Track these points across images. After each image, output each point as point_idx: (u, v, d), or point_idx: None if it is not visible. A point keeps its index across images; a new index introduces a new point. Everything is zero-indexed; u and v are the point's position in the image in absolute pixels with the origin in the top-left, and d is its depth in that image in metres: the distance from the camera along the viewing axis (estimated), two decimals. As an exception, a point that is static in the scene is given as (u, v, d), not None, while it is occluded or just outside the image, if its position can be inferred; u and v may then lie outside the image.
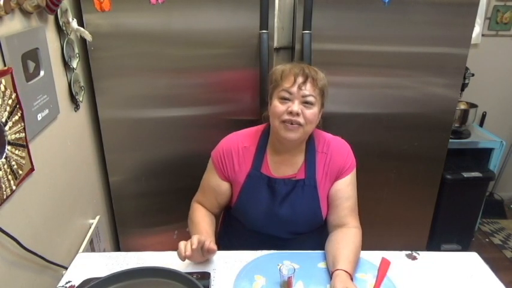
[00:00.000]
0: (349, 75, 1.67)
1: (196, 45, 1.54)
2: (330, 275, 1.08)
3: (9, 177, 0.97)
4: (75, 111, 1.46)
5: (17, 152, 1.00)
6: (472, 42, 1.69)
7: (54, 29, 1.29)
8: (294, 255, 1.19)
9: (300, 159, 1.25)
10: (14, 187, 0.99)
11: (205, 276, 1.04)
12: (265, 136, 1.27)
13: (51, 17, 1.26)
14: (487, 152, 2.33)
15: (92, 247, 1.54)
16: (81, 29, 1.38)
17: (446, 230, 2.32)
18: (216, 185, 1.28)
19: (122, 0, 1.45)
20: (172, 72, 1.58)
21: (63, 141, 1.35)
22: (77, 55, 1.44)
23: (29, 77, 1.09)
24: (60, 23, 1.30)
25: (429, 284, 1.11)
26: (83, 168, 1.52)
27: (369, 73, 1.68)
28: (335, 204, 1.24)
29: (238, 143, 1.26)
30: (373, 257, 1.19)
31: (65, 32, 1.33)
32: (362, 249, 1.18)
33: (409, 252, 1.23)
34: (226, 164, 1.25)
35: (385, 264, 1.16)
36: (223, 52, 1.57)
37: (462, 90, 2.23)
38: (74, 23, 1.35)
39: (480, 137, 2.37)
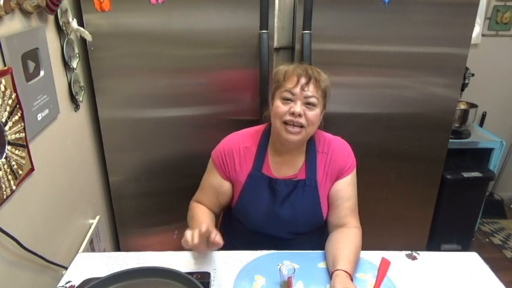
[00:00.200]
0: (349, 75, 1.67)
1: (196, 45, 1.54)
2: (330, 275, 1.08)
3: (9, 177, 0.97)
4: (75, 111, 1.46)
5: (17, 152, 1.00)
6: (472, 42, 1.69)
7: (54, 29, 1.29)
8: (294, 255, 1.19)
9: (300, 159, 1.25)
10: (14, 187, 0.99)
11: (205, 276, 1.04)
12: (266, 136, 1.27)
13: (51, 17, 1.26)
14: (487, 152, 2.33)
15: (92, 247, 1.54)
16: (81, 29, 1.38)
17: (446, 230, 2.33)
18: (217, 185, 1.28)
19: (122, 0, 1.45)
20: (172, 72, 1.58)
21: (63, 141, 1.35)
22: (77, 55, 1.44)
23: (29, 77, 1.09)
24: (60, 23, 1.30)
25: (429, 284, 1.11)
26: (83, 168, 1.52)
27: (369, 73, 1.68)
28: (335, 204, 1.24)
29: (239, 143, 1.26)
30: (373, 257, 1.19)
31: (65, 32, 1.33)
32: (362, 249, 1.18)
33: (409, 252, 1.23)
34: (228, 164, 1.25)
35: (385, 264, 1.16)
36: (223, 52, 1.57)
37: (462, 90, 2.23)
38: (74, 23, 1.35)
39: (480, 137, 2.37)
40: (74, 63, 1.41)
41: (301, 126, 1.14)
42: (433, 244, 2.30)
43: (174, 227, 1.83)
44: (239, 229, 1.32)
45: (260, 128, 1.31)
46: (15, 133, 0.99)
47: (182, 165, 1.72)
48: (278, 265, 1.09)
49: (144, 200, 1.77)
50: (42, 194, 1.19)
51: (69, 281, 1.10)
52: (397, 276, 1.12)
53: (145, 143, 1.67)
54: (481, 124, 2.68)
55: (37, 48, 1.14)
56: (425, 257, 1.21)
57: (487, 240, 2.60)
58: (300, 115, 1.12)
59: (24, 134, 1.04)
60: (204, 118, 1.66)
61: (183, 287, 0.94)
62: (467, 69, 2.20)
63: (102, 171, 1.71)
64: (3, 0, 0.93)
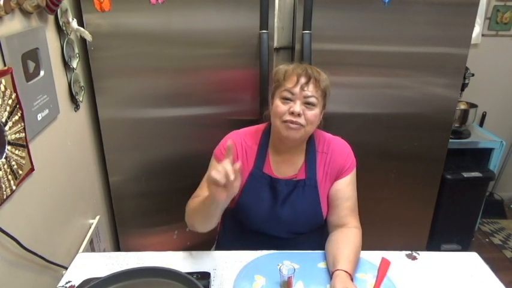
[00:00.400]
0: (349, 75, 1.67)
1: (196, 45, 1.54)
2: (330, 275, 1.08)
3: (9, 177, 0.97)
4: (75, 111, 1.46)
5: (17, 152, 1.00)
6: (472, 42, 1.69)
7: (54, 29, 1.29)
8: (294, 255, 1.19)
9: (300, 159, 1.25)
10: (14, 187, 0.99)
11: (205, 276, 1.04)
12: (266, 136, 1.27)
13: (51, 17, 1.26)
14: (487, 152, 2.33)
15: (92, 247, 1.54)
16: (81, 29, 1.37)
17: (446, 230, 2.33)
18: None
19: (122, 0, 1.45)
20: (172, 72, 1.58)
21: (63, 141, 1.35)
22: (77, 55, 1.44)
23: (29, 77, 1.09)
24: (60, 23, 1.30)
25: (429, 284, 1.11)
26: (82, 168, 1.52)
27: (369, 73, 1.68)
28: (335, 204, 1.24)
29: (242, 141, 1.26)
30: (373, 257, 1.19)
31: (65, 32, 1.33)
32: (362, 249, 1.18)
33: (409, 252, 1.23)
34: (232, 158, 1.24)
35: (385, 264, 1.16)
36: (223, 52, 1.57)
37: (462, 90, 2.24)
38: (74, 23, 1.34)
39: (480, 137, 2.37)
40: (74, 63, 1.41)
41: (301, 125, 1.14)
42: (433, 244, 2.30)
43: (174, 227, 1.83)
44: (239, 229, 1.31)
45: (260, 127, 1.31)
46: (15, 133, 0.99)
47: (182, 165, 1.72)
48: (278, 265, 1.09)
49: (144, 200, 1.77)
50: (42, 194, 1.19)
51: (69, 281, 1.10)
52: (397, 276, 1.12)
53: (145, 143, 1.67)
54: (481, 124, 2.68)
55: (37, 48, 1.14)
56: (425, 257, 1.21)
57: (487, 240, 2.61)
58: (299, 115, 1.12)
59: (24, 134, 1.04)
60: (204, 118, 1.66)
61: (183, 287, 0.94)
62: (467, 69, 2.20)
63: (102, 171, 1.71)
64: (3, 0, 0.93)
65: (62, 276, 1.13)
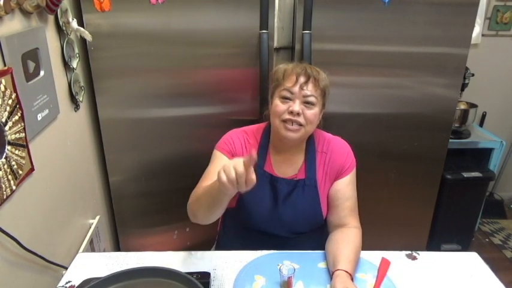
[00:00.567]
0: (349, 75, 1.67)
1: (196, 45, 1.54)
2: (330, 275, 1.08)
3: (9, 177, 0.97)
4: (75, 111, 1.46)
5: (17, 152, 1.00)
6: (472, 42, 1.69)
7: (54, 29, 1.29)
8: (294, 255, 1.19)
9: (300, 158, 1.25)
10: (14, 187, 0.99)
11: (205, 276, 1.04)
12: (266, 135, 1.27)
13: (51, 17, 1.26)
14: (487, 152, 2.33)
15: (92, 247, 1.54)
16: (81, 29, 1.37)
17: (446, 230, 2.33)
18: None
19: (122, 0, 1.45)
20: (172, 72, 1.58)
21: (63, 141, 1.35)
22: (77, 55, 1.44)
23: (29, 77, 1.09)
24: (60, 23, 1.30)
25: (429, 284, 1.11)
26: (82, 168, 1.52)
27: (369, 73, 1.68)
28: (335, 204, 1.24)
29: (244, 138, 1.26)
30: (373, 257, 1.19)
31: (65, 32, 1.33)
32: (362, 249, 1.18)
33: (409, 252, 1.23)
34: (236, 148, 1.23)
35: (385, 264, 1.16)
36: (223, 52, 1.57)
37: (462, 90, 2.23)
38: (74, 23, 1.34)
39: (480, 137, 2.37)
40: (74, 63, 1.41)
41: (300, 125, 1.14)
42: (433, 244, 2.30)
43: (174, 227, 1.83)
44: (239, 229, 1.31)
45: (260, 126, 1.31)
46: (15, 133, 0.99)
47: (182, 165, 1.72)
48: (278, 265, 1.09)
49: (144, 200, 1.77)
50: (42, 194, 1.19)
51: (69, 281, 1.10)
52: (397, 276, 1.12)
53: (145, 143, 1.67)
54: (481, 124, 2.68)
55: (37, 48, 1.14)
56: (425, 257, 1.21)
57: (487, 240, 2.60)
58: (298, 114, 1.12)
59: (24, 134, 1.04)
60: (204, 118, 1.66)
61: (183, 287, 0.94)
62: (467, 69, 2.20)
63: (102, 171, 1.71)
64: (3, 0, 0.93)
65: (62, 276, 1.13)
